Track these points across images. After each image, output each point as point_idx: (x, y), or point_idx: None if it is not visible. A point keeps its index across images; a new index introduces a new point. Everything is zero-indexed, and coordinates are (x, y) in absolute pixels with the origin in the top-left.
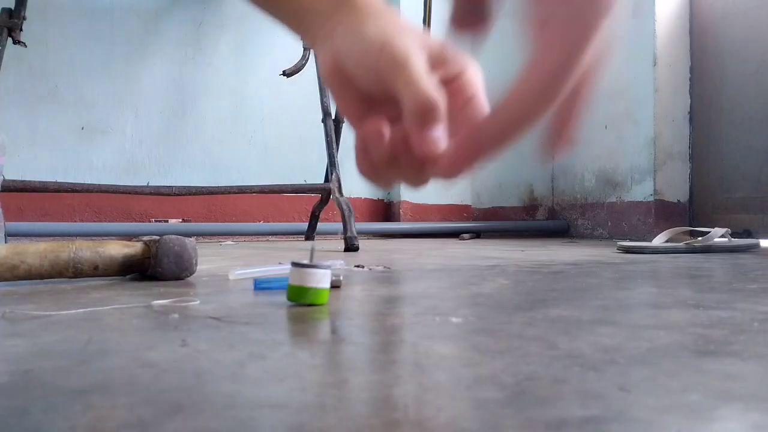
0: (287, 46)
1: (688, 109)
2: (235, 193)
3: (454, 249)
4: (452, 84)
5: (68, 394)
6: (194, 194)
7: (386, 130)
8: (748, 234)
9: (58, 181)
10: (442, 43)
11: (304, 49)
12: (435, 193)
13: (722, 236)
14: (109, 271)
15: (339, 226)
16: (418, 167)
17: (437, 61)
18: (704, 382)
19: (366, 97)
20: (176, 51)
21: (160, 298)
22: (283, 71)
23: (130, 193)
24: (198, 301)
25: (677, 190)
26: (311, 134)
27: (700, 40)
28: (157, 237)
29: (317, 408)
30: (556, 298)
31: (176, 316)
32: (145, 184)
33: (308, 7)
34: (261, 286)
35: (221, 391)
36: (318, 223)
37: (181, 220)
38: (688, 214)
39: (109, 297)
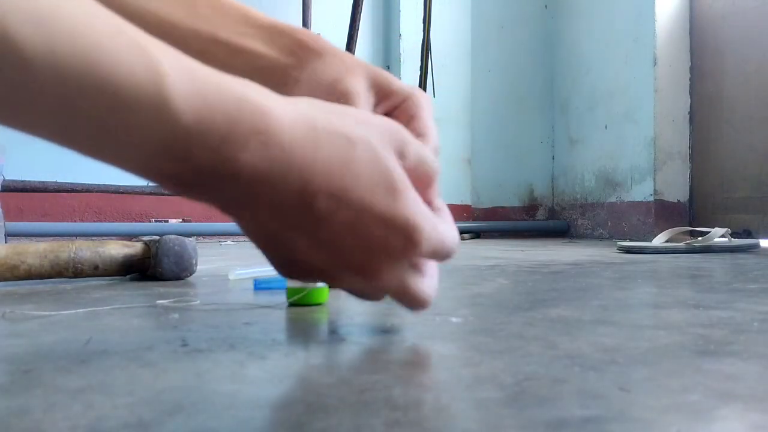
0: None
1: (688, 109)
2: None
3: None
4: (399, 108)
5: (68, 394)
6: None
7: None
8: (748, 234)
9: (58, 181)
10: (383, 76)
11: None
12: None
13: (722, 236)
14: (109, 271)
15: None
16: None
17: (383, 94)
18: (704, 382)
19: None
20: None
21: (160, 298)
22: None
23: (130, 193)
24: (198, 301)
25: (677, 190)
26: None
27: (700, 39)
28: (157, 237)
29: (317, 408)
30: (556, 298)
31: (176, 316)
32: (145, 185)
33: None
34: (261, 286)
35: (221, 391)
36: None
37: (181, 220)
38: (688, 214)
39: (109, 297)
